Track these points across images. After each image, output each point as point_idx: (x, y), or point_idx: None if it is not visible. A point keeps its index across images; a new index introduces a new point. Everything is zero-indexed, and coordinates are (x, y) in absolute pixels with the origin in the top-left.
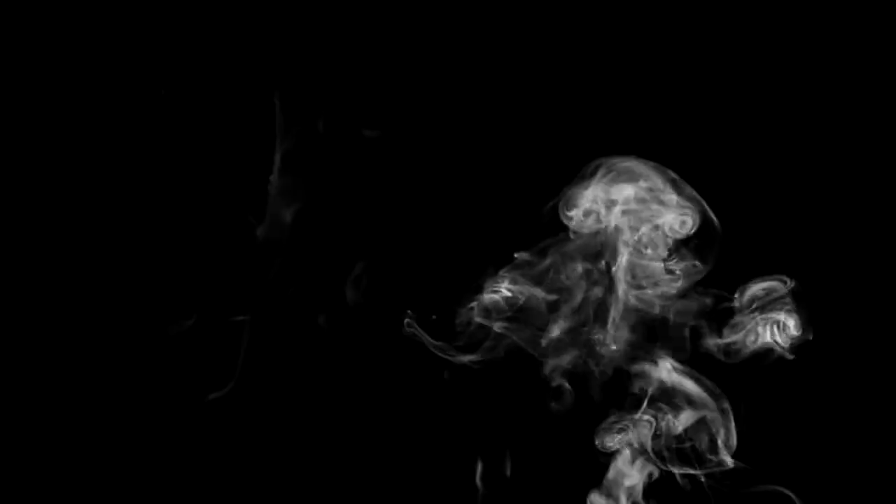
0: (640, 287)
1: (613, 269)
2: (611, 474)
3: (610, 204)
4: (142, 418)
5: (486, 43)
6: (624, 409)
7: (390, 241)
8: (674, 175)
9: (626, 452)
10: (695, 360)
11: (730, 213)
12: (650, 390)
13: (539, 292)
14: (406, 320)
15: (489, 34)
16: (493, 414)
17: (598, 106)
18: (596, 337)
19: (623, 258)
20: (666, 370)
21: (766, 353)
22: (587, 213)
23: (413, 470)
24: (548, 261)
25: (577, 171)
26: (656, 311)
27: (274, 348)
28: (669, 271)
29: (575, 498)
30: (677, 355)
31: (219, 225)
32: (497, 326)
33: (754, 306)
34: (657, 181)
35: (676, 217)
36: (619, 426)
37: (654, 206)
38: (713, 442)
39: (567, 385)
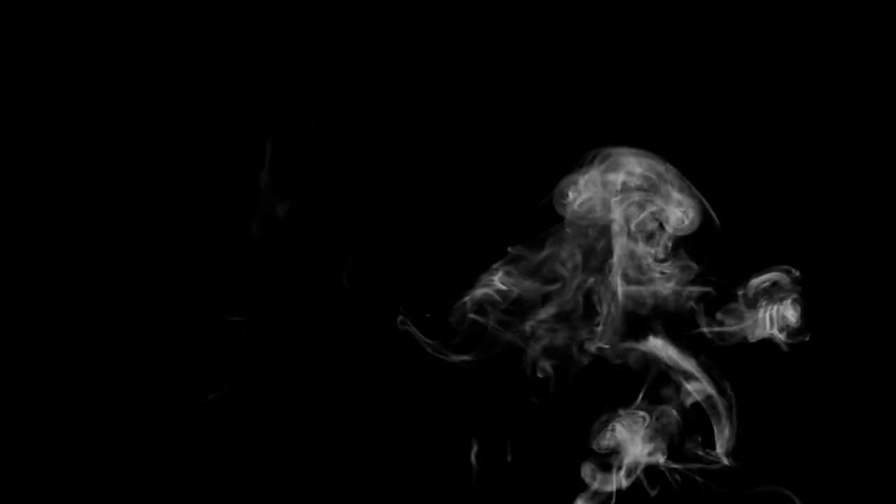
0: (634, 282)
1: (609, 261)
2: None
3: (607, 194)
4: (142, 418)
5: (481, 41)
6: (617, 403)
7: (384, 238)
8: (673, 169)
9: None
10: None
11: (729, 208)
12: (651, 372)
13: (533, 285)
14: (399, 318)
15: (483, 28)
16: (488, 408)
17: (594, 103)
18: (587, 329)
19: (618, 250)
20: (663, 349)
21: (765, 342)
22: (583, 204)
23: (411, 469)
24: (542, 253)
25: (572, 166)
26: (649, 305)
27: (269, 347)
28: (662, 272)
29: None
30: (673, 342)
31: (212, 222)
32: (492, 322)
33: (758, 295)
34: (656, 173)
35: (675, 211)
36: (612, 425)
37: (653, 198)
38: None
39: (550, 370)
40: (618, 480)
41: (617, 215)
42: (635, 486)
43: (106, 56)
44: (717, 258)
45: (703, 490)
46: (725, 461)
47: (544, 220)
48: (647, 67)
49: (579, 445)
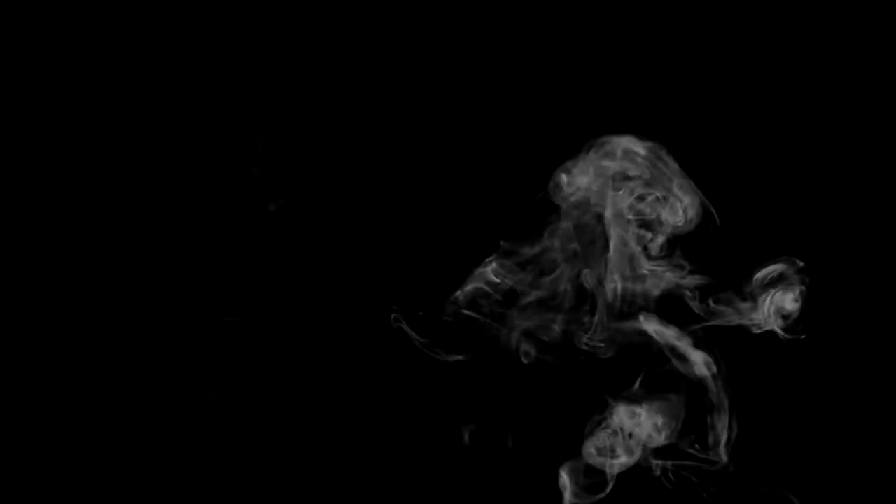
0: (628, 276)
1: (604, 254)
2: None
3: (603, 185)
4: (141, 418)
5: (474, 35)
6: (611, 396)
7: (376, 236)
8: (672, 162)
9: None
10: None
11: (729, 206)
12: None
13: (526, 277)
14: (392, 316)
15: (479, 25)
16: (484, 406)
17: (591, 98)
18: (580, 321)
19: (613, 242)
20: (660, 329)
21: (763, 336)
22: (579, 194)
23: (409, 468)
24: (537, 245)
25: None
26: (643, 298)
27: (265, 347)
28: (658, 266)
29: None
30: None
31: (208, 221)
32: (485, 317)
33: (763, 286)
34: (654, 163)
35: (673, 205)
36: (604, 426)
37: (651, 190)
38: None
39: (534, 352)
40: (611, 474)
41: (613, 206)
42: (629, 482)
43: (106, 56)
44: (716, 255)
45: (699, 489)
46: (723, 458)
47: (539, 212)
48: (646, 64)
49: (574, 441)
